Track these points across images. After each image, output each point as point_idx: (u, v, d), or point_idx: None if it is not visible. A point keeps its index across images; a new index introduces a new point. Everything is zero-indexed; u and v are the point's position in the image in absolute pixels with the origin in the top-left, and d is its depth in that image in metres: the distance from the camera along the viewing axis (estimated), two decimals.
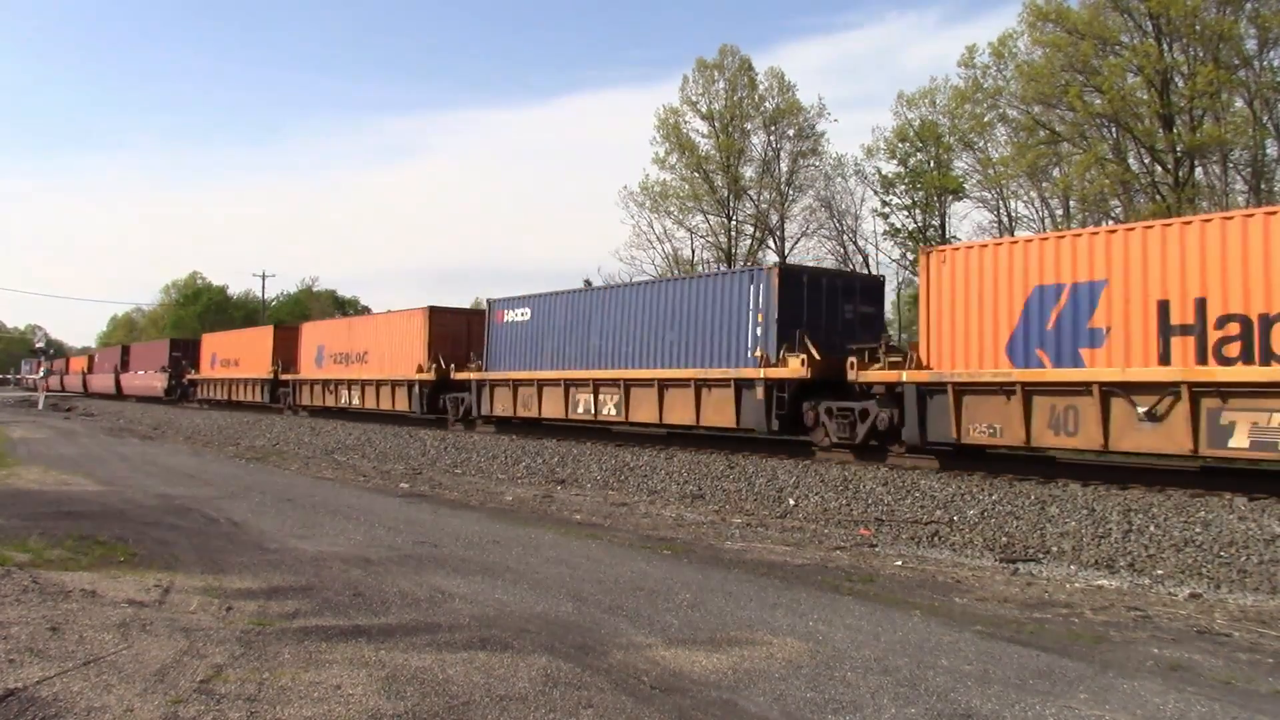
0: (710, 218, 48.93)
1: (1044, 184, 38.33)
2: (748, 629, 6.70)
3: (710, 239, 49.33)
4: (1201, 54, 31.81)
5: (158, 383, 51.78)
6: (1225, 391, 11.96)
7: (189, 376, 48.37)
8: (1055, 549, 10.60)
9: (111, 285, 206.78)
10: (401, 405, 29.11)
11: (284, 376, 37.18)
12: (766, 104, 47.99)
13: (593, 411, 21.81)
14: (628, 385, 20.82)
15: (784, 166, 48.58)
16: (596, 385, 21.74)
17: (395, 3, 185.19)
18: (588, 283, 36.04)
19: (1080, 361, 13.44)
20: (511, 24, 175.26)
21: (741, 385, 18.26)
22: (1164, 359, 12.52)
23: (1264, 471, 13.37)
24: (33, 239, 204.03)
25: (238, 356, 42.24)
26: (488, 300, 26.89)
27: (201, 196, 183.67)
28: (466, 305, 41.58)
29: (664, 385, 19.91)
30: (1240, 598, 8.54)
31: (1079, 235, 14.08)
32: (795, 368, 17.06)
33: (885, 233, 44.97)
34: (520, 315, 24.55)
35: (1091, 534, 10.81)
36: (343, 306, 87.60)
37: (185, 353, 51.05)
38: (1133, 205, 33.35)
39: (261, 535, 10.40)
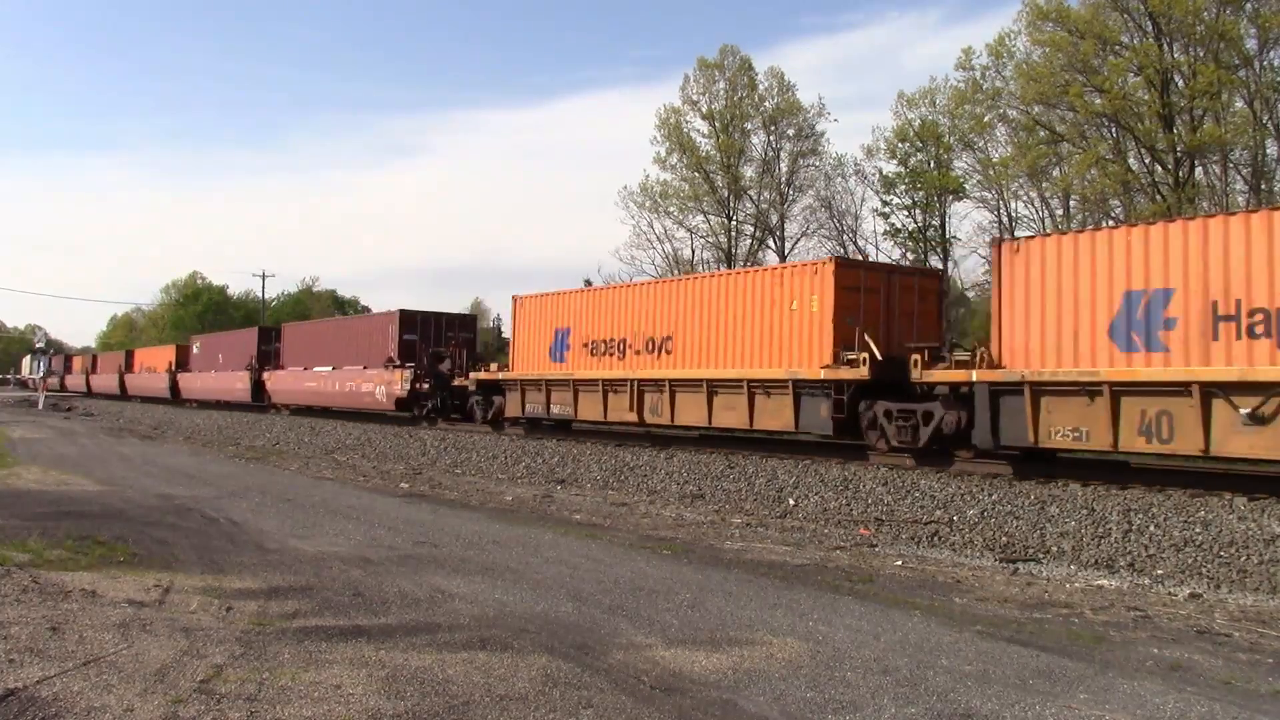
0: (710, 218, 49.00)
1: (1044, 184, 38.35)
2: (747, 629, 6.70)
3: (710, 239, 49.39)
4: (1202, 54, 31.82)
5: (377, 387, 29.75)
6: None
7: (474, 377, 26.31)
8: (1055, 549, 10.60)
9: (111, 285, 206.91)
10: None
11: (969, 376, 14.47)
12: (766, 104, 48.05)
13: None
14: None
15: (784, 166, 48.64)
16: None
17: (396, 2, 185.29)
18: (587, 282, 36.29)
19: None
20: (512, 24, 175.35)
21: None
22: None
23: (1264, 472, 13.37)
24: (33, 239, 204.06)
25: (667, 333, 20.16)
26: None
27: (201, 196, 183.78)
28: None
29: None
30: (1240, 598, 8.54)
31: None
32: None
33: (885, 233, 45.03)
34: None
35: (1091, 534, 10.81)
36: (342, 306, 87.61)
37: (431, 334, 29.90)
38: (1133, 205, 33.36)
39: (261, 535, 10.40)
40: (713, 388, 18.95)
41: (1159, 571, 9.59)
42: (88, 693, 4.89)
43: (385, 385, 29.64)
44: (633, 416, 20.86)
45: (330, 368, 33.55)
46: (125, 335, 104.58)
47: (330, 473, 18.85)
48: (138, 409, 47.34)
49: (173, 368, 49.87)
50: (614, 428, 22.88)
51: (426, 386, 28.39)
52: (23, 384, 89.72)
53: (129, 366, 58.76)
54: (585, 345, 22.31)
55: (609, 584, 8.13)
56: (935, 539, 11.42)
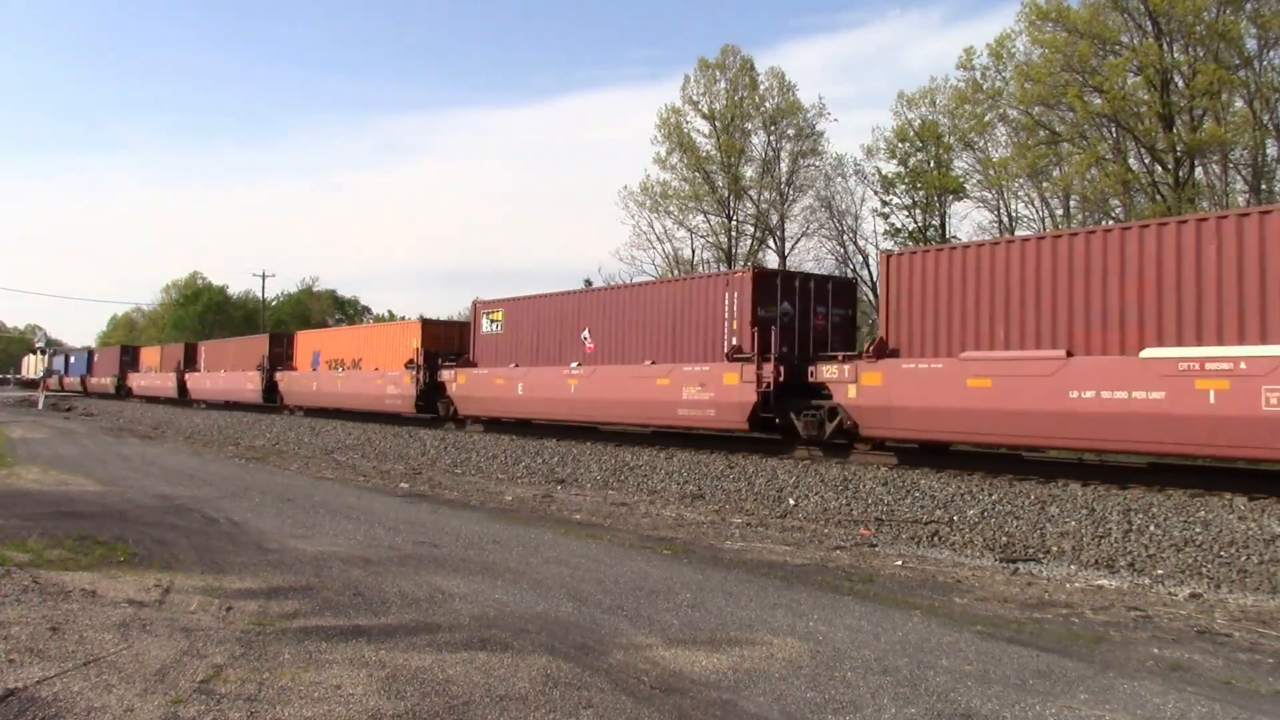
0: (711, 218, 48.96)
1: (1044, 184, 38.35)
2: (748, 629, 6.70)
3: (710, 239, 49.36)
4: (1201, 54, 31.81)
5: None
6: None
7: None
8: (1055, 549, 10.60)
9: (111, 285, 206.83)
10: None
11: None
12: (767, 104, 48.02)
13: None
14: None
15: (784, 166, 48.61)
16: None
17: (397, 2, 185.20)
18: (588, 282, 36.24)
19: None
20: (513, 24, 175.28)
21: None
22: None
23: (1264, 471, 13.38)
24: (33, 239, 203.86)
25: None
26: None
27: (201, 196, 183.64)
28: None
29: None
30: (1240, 598, 8.54)
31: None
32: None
33: (885, 233, 44.99)
34: None
35: (1091, 534, 10.81)
36: (343, 306, 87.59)
37: None
38: (1133, 205, 33.36)
39: (261, 535, 10.40)
40: None
41: (1159, 571, 9.59)
42: (88, 693, 4.89)
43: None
44: None
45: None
46: (125, 335, 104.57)
47: (330, 473, 18.84)
48: (138, 409, 47.14)
49: (419, 361, 28.50)
50: None
51: None
52: (32, 384, 76.39)
53: (281, 359, 38.08)
54: None
55: (609, 584, 8.13)
56: (935, 539, 11.42)
